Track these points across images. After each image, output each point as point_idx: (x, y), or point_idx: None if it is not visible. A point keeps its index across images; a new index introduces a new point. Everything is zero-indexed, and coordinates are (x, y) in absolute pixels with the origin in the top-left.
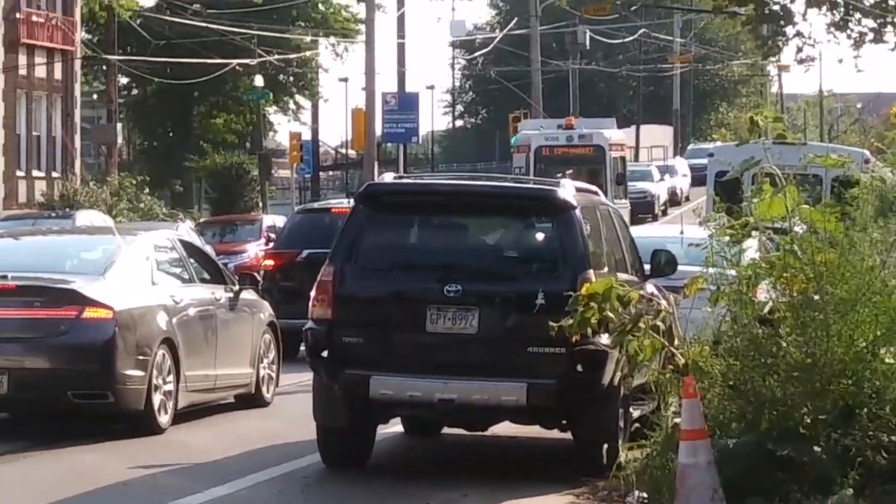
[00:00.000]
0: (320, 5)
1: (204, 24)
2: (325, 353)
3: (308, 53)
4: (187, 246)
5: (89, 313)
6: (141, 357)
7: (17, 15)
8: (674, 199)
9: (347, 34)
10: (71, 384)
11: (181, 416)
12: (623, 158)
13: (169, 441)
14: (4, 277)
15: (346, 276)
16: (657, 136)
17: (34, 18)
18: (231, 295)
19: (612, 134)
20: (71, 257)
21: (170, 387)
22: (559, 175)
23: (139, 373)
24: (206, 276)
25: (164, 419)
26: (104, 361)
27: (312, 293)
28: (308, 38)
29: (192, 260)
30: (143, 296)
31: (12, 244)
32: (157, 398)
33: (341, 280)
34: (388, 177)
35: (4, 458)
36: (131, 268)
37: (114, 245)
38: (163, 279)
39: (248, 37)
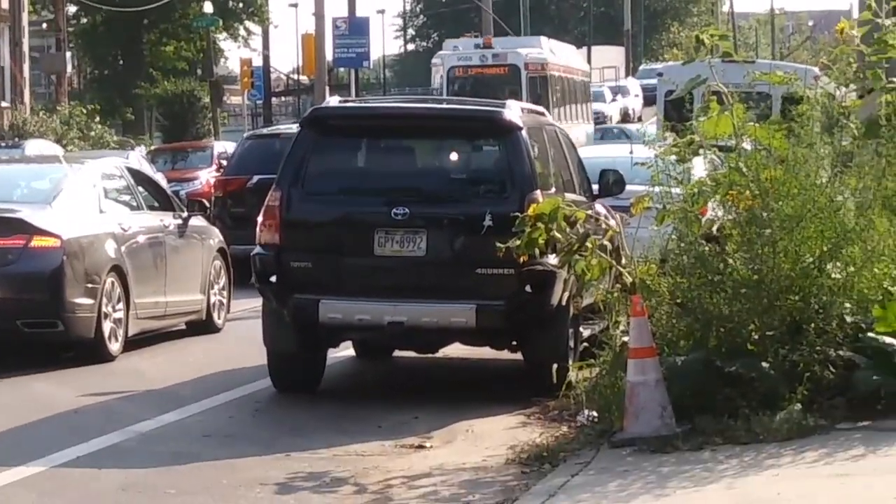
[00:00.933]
0: None
1: None
2: (273, 279)
3: None
4: (135, 174)
5: (37, 242)
6: (90, 285)
7: None
8: (626, 119)
9: None
10: (20, 314)
11: (132, 344)
12: (544, 79)
13: (120, 369)
14: None
15: (292, 200)
16: (609, 56)
17: None
18: (180, 222)
19: (531, 53)
20: (18, 187)
21: (119, 314)
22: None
23: (88, 301)
24: (155, 203)
25: (114, 347)
26: (53, 290)
27: (259, 218)
28: None
29: (140, 188)
30: (90, 224)
31: None
32: (107, 326)
33: (288, 205)
34: (334, 100)
35: None
36: (79, 196)
37: (61, 174)
38: (111, 207)
39: None
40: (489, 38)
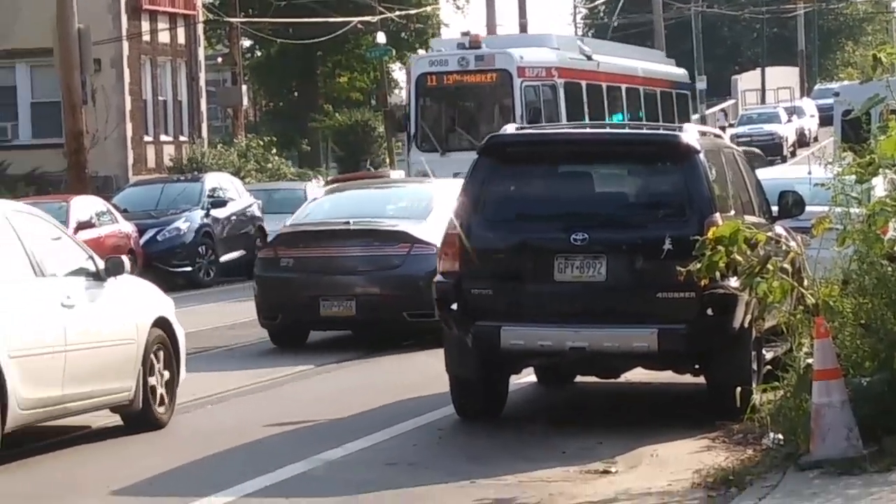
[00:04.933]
0: None
1: None
2: (454, 306)
3: (429, 8)
4: None
5: (417, 250)
6: None
7: None
8: (802, 141)
9: None
10: (405, 307)
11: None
12: (551, 88)
13: (315, 392)
14: (347, 223)
15: (472, 228)
16: (783, 77)
17: None
18: None
19: (528, 54)
20: (395, 205)
21: None
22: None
23: None
24: None
25: None
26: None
27: (439, 247)
28: None
29: None
30: None
31: (344, 196)
32: None
33: (468, 233)
34: (510, 128)
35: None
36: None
37: (430, 194)
38: None
39: None
40: (477, 36)
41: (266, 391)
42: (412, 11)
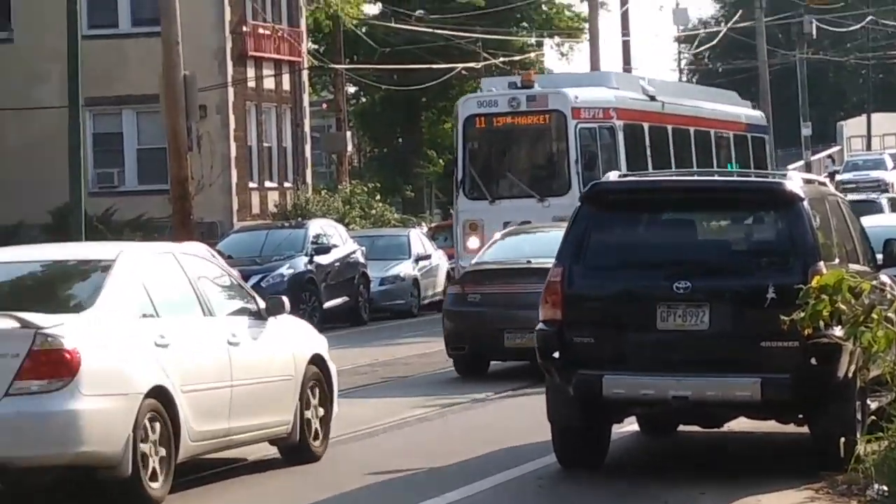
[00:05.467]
0: (543, 6)
1: (428, 30)
2: (556, 354)
3: (533, 55)
4: None
5: None
6: None
7: (244, 28)
8: None
9: (571, 34)
10: None
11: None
12: (609, 131)
13: (406, 443)
14: (528, 262)
15: (574, 276)
16: (889, 123)
17: (260, 31)
18: None
19: (584, 94)
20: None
21: None
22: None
23: None
24: None
25: None
26: None
27: (542, 294)
28: (532, 40)
29: None
30: None
31: (520, 239)
32: None
33: (569, 280)
34: (613, 175)
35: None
36: None
37: None
38: None
39: (472, 40)
40: (529, 74)
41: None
42: (516, 58)
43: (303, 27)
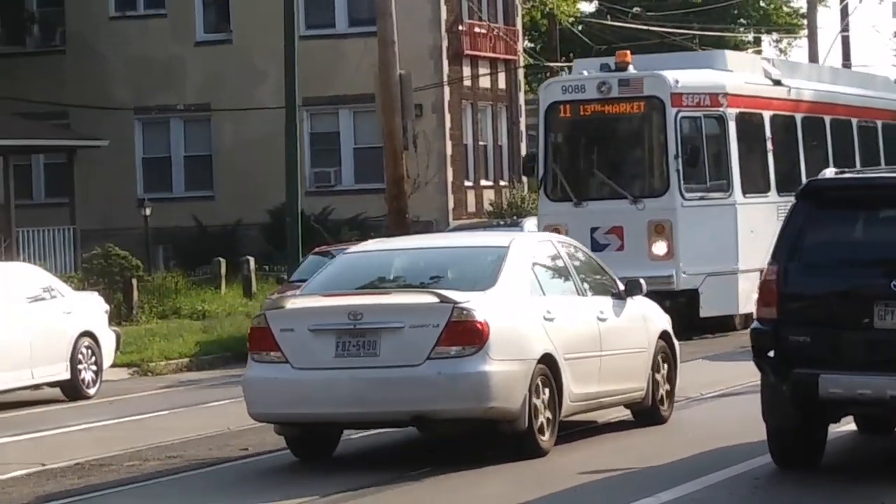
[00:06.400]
0: (761, 2)
1: (644, 27)
2: (771, 353)
3: (750, 51)
4: None
5: None
6: None
7: (460, 27)
8: None
9: (790, 29)
10: None
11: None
12: (718, 121)
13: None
14: None
15: (789, 274)
16: None
17: (476, 30)
18: None
19: (687, 78)
20: None
21: None
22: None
23: None
24: None
25: None
26: None
27: (757, 293)
28: (750, 36)
29: None
30: None
31: None
32: None
33: (785, 279)
34: (829, 172)
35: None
36: None
37: None
38: None
39: (689, 37)
40: (625, 54)
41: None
42: None
43: (518, 25)
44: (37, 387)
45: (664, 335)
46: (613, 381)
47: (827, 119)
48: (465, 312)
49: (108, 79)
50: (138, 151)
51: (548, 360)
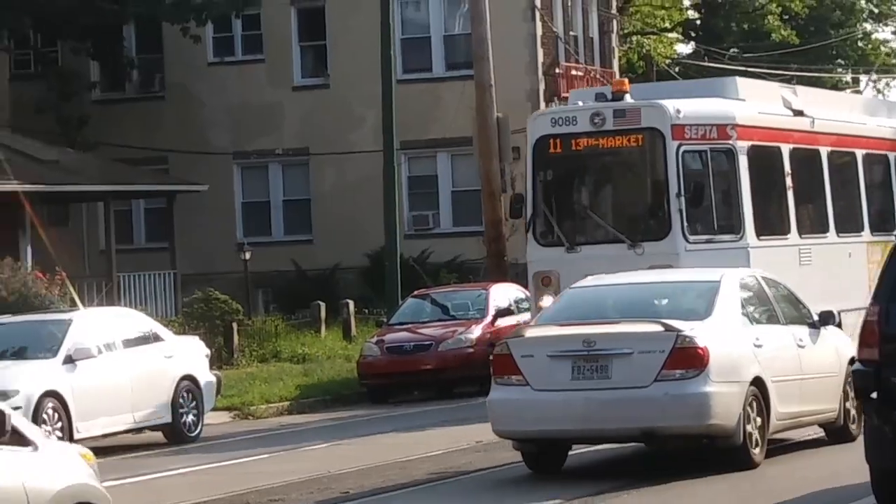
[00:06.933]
0: (859, 42)
1: (742, 68)
2: (874, 395)
3: (849, 91)
4: None
5: None
6: None
7: (557, 70)
8: None
9: (889, 69)
10: None
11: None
12: (727, 154)
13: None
14: None
15: (891, 315)
16: None
17: (573, 72)
18: None
19: (689, 108)
20: None
21: None
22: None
23: None
24: None
25: None
26: None
27: (859, 334)
28: (848, 77)
29: None
30: None
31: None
32: None
33: (886, 319)
34: None
35: None
36: None
37: None
38: None
39: (786, 78)
40: (622, 82)
41: None
42: None
43: (615, 67)
44: (138, 430)
45: (852, 361)
46: (812, 402)
47: (859, 154)
48: (688, 340)
49: (207, 124)
50: (237, 196)
51: (758, 383)
